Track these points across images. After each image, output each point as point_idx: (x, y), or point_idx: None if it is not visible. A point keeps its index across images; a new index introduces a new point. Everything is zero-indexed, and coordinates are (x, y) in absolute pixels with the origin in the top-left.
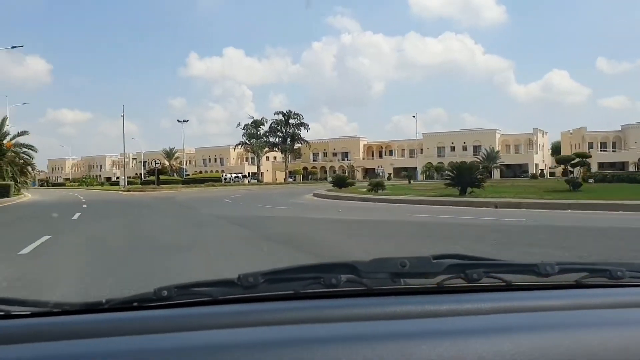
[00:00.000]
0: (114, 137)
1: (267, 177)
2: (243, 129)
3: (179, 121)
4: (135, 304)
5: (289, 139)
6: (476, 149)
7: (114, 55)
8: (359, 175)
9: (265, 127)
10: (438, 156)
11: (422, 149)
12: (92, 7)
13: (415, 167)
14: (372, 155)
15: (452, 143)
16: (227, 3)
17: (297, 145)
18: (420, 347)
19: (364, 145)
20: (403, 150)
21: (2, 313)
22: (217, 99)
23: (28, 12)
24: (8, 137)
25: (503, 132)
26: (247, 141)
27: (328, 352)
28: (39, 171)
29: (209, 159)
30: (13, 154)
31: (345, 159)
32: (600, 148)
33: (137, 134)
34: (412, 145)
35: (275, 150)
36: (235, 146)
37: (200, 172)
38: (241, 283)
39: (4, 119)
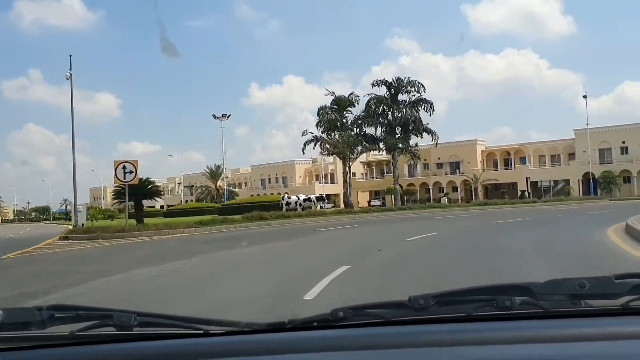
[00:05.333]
0: (182, 165)
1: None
2: (318, 115)
3: (214, 117)
4: (314, 324)
5: (399, 129)
6: None
7: (178, 89)
8: (481, 194)
9: (356, 111)
10: (601, 162)
11: (570, 153)
12: (156, 43)
13: (568, 180)
14: (495, 165)
15: (624, 142)
16: (282, 33)
17: (414, 140)
18: None
19: (482, 151)
20: (541, 156)
21: (201, 332)
22: (279, 125)
23: (98, 50)
24: None
25: None
26: (324, 134)
27: None
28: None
29: (269, 179)
30: None
31: (457, 171)
32: None
33: (203, 162)
34: (556, 149)
35: (378, 148)
36: (304, 145)
37: (259, 194)
38: (412, 305)
39: None
